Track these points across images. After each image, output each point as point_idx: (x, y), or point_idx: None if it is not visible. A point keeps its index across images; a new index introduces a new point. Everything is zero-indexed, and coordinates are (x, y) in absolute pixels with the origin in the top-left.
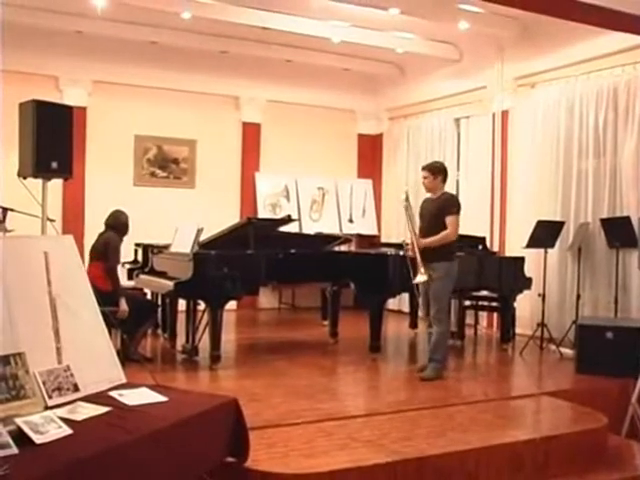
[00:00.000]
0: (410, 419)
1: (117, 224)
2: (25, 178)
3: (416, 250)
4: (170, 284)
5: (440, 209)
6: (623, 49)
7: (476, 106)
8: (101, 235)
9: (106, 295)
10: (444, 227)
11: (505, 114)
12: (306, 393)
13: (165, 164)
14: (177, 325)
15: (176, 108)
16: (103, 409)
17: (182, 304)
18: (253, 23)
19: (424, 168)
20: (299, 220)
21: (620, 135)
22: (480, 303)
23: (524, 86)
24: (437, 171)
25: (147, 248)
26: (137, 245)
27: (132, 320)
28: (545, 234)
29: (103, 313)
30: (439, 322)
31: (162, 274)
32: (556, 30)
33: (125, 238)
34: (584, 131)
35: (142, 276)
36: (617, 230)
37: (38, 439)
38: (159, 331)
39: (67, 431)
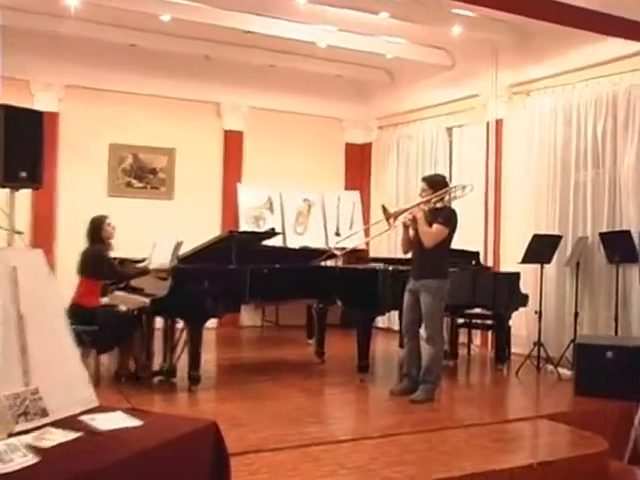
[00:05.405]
0: (400, 443)
1: (91, 234)
2: None
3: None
4: (146, 300)
5: (432, 218)
6: (622, 56)
7: (469, 114)
8: (85, 249)
9: (89, 313)
10: (439, 243)
11: (499, 123)
12: (291, 416)
13: (142, 174)
14: (153, 344)
15: (154, 115)
16: (73, 435)
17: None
18: (236, 26)
19: (424, 179)
20: (283, 234)
21: (620, 145)
22: (474, 321)
23: (519, 94)
24: (437, 186)
25: (123, 263)
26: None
27: (109, 337)
28: (542, 249)
29: (79, 332)
30: (433, 343)
31: (139, 290)
32: (553, 36)
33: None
34: (582, 141)
35: (117, 292)
36: (617, 245)
37: (1, 469)
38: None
39: (33, 459)
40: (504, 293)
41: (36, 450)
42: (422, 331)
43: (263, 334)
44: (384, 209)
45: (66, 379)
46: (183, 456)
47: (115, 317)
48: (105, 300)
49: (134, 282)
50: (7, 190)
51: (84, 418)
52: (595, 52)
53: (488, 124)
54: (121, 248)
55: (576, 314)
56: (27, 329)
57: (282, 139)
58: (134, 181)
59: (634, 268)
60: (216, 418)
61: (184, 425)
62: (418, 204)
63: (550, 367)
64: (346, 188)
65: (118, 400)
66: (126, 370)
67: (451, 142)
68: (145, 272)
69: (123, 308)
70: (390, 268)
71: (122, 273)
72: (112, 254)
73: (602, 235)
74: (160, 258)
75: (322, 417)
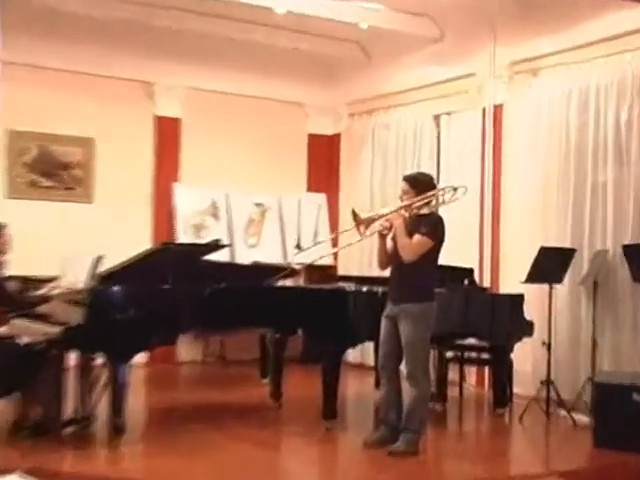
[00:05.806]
0: None
1: None
2: None
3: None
4: (56, 331)
5: (414, 227)
6: None
7: (461, 99)
8: None
9: None
10: (422, 258)
11: (499, 109)
12: (239, 474)
13: (51, 170)
14: (65, 386)
15: (67, 95)
16: None
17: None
18: None
19: (406, 179)
20: (231, 246)
21: None
22: (467, 354)
23: (523, 73)
24: (422, 187)
25: (25, 282)
26: (10, 278)
27: (6, 378)
28: (551, 265)
29: None
30: (416, 382)
31: (46, 318)
32: (565, 1)
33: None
34: (601, 131)
35: (16, 320)
36: None
37: None
38: None
39: None
40: (504, 320)
41: None
42: (403, 367)
43: (205, 371)
44: (354, 214)
45: None
46: None
47: (14, 352)
48: (2, 330)
49: (39, 307)
50: None
51: None
52: (619, 20)
53: (484, 110)
54: (24, 264)
55: (594, 345)
56: None
57: (230, 129)
58: (41, 179)
59: None
60: (145, 477)
61: None
62: (398, 209)
63: (562, 412)
64: (309, 190)
65: (17, 459)
66: (28, 420)
67: (439, 133)
68: (46, 299)
69: (25, 340)
70: (364, 289)
71: (15, 301)
72: (10, 272)
73: (626, 248)
74: (74, 276)
75: (279, 475)
